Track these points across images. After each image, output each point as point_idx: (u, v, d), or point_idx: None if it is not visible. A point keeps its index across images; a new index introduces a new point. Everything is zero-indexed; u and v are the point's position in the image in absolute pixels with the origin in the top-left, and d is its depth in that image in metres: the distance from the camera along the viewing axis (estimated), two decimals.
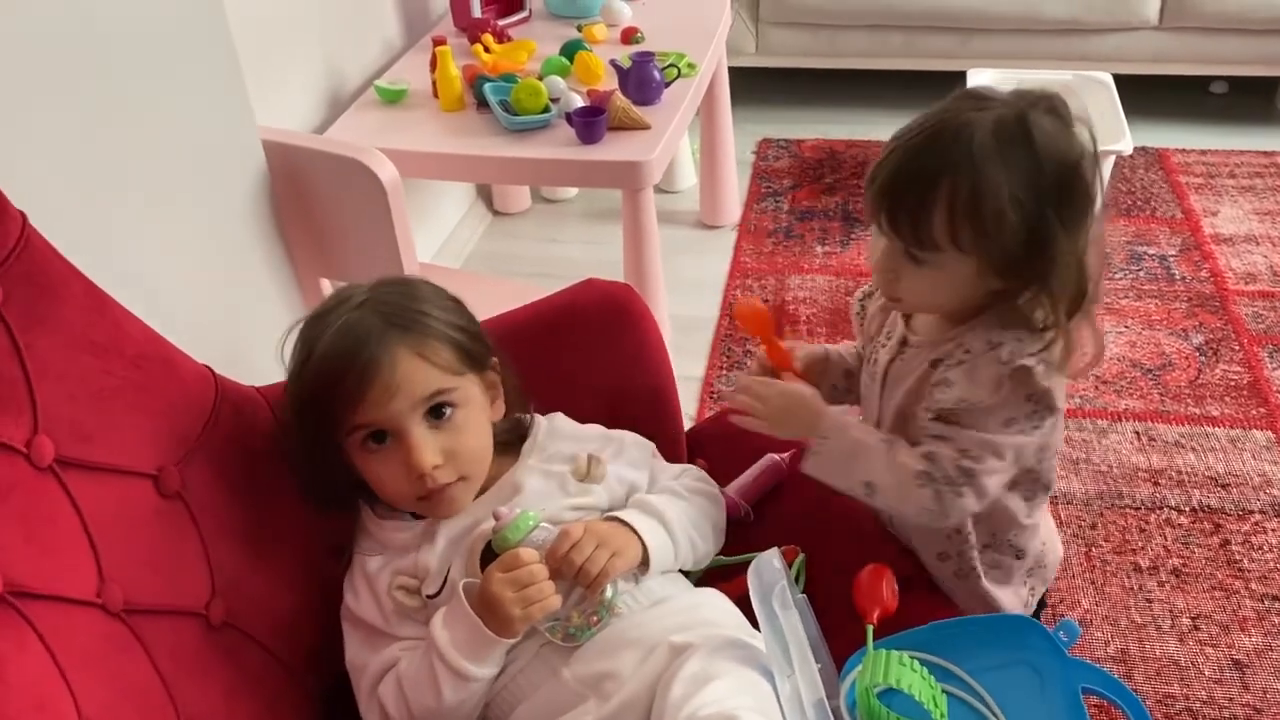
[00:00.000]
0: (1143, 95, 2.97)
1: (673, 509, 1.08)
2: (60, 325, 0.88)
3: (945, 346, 1.05)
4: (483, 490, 1.07)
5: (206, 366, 1.06)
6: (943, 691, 0.97)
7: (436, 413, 1.01)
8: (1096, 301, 1.00)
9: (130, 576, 0.89)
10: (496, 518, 1.00)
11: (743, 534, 1.22)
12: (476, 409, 1.05)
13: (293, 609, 1.06)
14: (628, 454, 1.15)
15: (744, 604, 1.12)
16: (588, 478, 1.09)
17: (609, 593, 0.99)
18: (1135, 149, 2.58)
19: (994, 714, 0.97)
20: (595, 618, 0.98)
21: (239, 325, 1.42)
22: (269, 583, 1.04)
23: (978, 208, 0.93)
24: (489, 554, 1.01)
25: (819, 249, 2.64)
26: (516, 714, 0.98)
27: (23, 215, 0.88)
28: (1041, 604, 1.27)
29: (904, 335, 1.10)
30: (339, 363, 0.97)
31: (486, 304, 1.27)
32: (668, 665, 0.93)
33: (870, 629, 1.03)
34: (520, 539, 0.97)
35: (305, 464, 1.04)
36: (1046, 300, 0.98)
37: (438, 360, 1.00)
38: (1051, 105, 0.96)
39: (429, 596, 1.03)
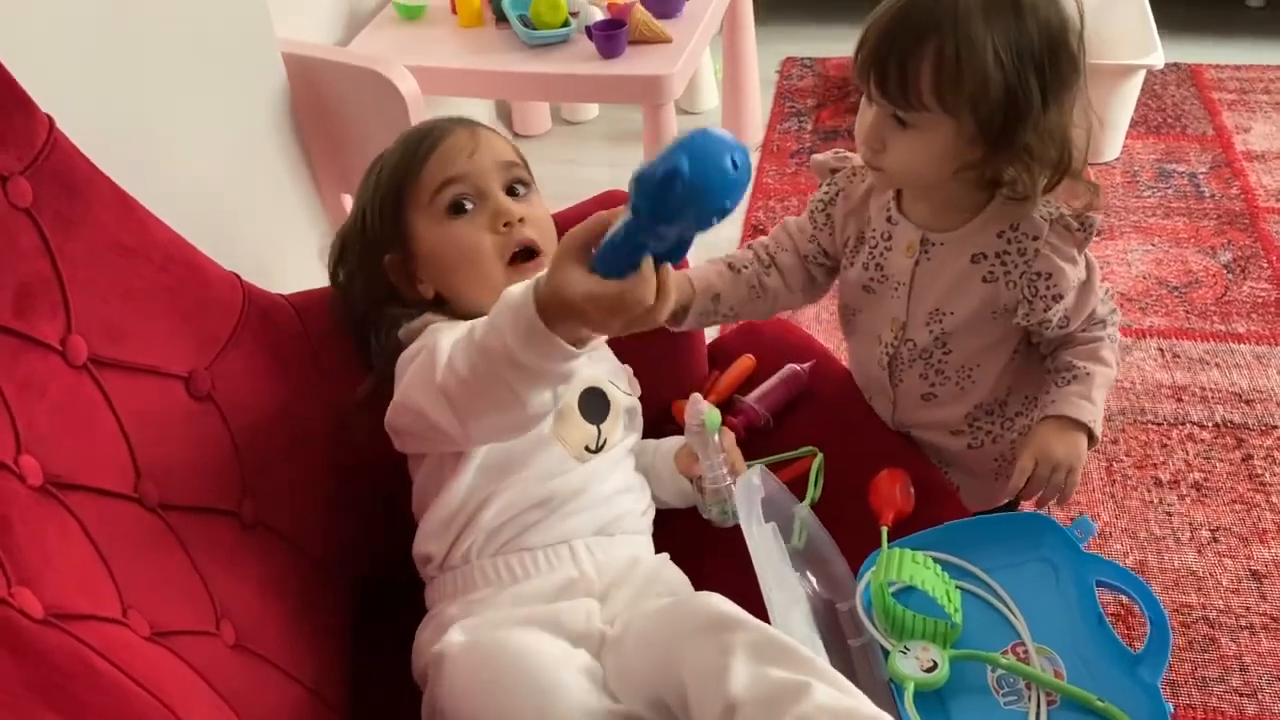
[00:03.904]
0: (1176, 9, 2.89)
1: None
2: (89, 227, 0.89)
3: (981, 239, 1.07)
4: None
5: (234, 273, 1.07)
6: (957, 588, 0.99)
7: (512, 191, 1.08)
8: (1076, 179, 1.03)
9: (166, 473, 0.91)
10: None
11: (762, 441, 1.23)
12: (542, 200, 1.12)
13: (323, 509, 1.09)
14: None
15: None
16: None
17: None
18: (1167, 65, 2.52)
19: (1009, 608, 0.99)
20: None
21: (262, 238, 1.43)
22: (298, 484, 1.06)
23: (962, 65, 0.95)
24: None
25: None
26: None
27: (50, 118, 0.89)
28: None
29: (923, 235, 1.10)
30: (417, 135, 1.10)
31: None
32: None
33: (885, 530, 1.05)
34: (718, 426, 1.05)
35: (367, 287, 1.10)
36: (1023, 169, 1.01)
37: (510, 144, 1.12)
38: None
39: None
